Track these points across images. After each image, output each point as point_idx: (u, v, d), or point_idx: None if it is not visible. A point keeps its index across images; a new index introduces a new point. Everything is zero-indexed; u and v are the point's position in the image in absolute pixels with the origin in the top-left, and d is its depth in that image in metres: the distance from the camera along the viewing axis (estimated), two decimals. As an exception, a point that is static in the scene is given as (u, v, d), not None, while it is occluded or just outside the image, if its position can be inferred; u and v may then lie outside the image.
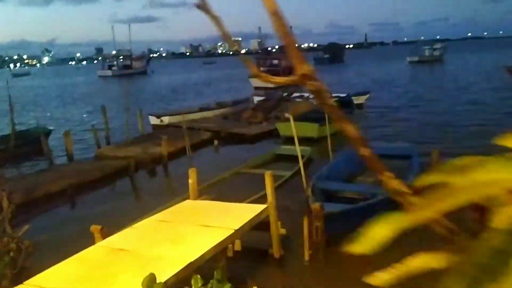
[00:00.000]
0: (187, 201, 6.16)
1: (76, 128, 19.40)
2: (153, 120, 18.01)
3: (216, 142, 13.57)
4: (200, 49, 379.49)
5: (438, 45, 66.85)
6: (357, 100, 19.02)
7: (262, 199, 8.26)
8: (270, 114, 17.31)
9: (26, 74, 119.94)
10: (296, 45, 1.09)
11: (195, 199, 6.19)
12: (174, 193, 8.60)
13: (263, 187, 9.26)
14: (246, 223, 5.03)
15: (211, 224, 5.01)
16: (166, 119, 17.65)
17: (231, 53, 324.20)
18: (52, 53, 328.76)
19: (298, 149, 8.84)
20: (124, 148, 12.95)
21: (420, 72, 46.12)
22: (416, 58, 62.07)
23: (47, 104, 32.27)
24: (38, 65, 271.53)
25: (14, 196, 8.53)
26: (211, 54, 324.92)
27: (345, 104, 17.78)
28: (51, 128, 15.86)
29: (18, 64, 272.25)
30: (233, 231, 4.79)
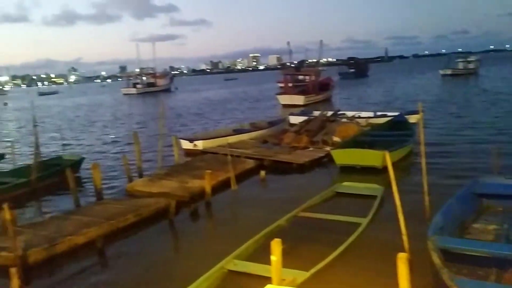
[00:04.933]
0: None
1: (103, 155, 18.05)
2: (186, 145, 16.50)
3: (263, 173, 11.83)
4: (220, 65, 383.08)
5: (472, 58, 64.26)
6: (410, 120, 17.02)
7: (344, 257, 6.53)
8: (315, 138, 15.52)
9: (54, 93, 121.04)
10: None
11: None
12: (227, 247, 6.88)
13: (330, 235, 7.58)
14: None
15: None
16: (200, 144, 16.10)
17: (250, 68, 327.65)
18: (78, 71, 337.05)
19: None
20: (158, 181, 11.34)
21: (459, 86, 43.70)
22: (449, 71, 59.62)
23: (73, 126, 31.31)
24: (65, 83, 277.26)
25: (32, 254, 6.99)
26: (230, 70, 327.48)
27: (400, 125, 15.91)
28: (76, 158, 14.35)
29: (45, 83, 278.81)
30: None
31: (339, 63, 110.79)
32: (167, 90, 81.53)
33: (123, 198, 10.54)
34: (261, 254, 6.58)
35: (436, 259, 5.13)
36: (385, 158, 11.69)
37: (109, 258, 7.38)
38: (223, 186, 11.09)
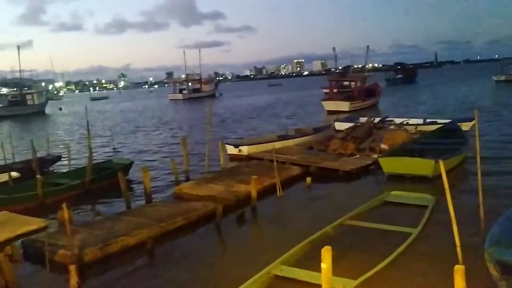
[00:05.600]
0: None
1: (150, 158, 18.61)
2: (231, 150, 16.71)
3: (309, 180, 11.78)
4: (264, 71, 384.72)
5: (528, 63, 60.96)
6: (463, 127, 16.36)
7: (394, 266, 6.38)
8: (362, 145, 15.27)
9: (104, 98, 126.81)
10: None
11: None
12: (273, 252, 6.89)
13: (379, 244, 7.43)
14: None
15: None
16: (244, 149, 16.27)
17: (294, 74, 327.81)
18: (127, 77, 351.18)
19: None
20: (205, 185, 11.56)
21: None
22: (503, 77, 56.84)
23: (121, 130, 32.51)
24: (115, 89, 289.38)
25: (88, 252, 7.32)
26: (274, 76, 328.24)
27: (452, 132, 15.34)
28: (126, 162, 14.88)
29: (97, 88, 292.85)
30: None
31: (385, 68, 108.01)
32: (212, 96, 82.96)
33: (172, 201, 10.83)
34: (307, 261, 6.56)
35: (493, 271, 5.00)
36: (436, 167, 11.39)
37: (158, 259, 7.57)
38: (268, 191, 11.13)
